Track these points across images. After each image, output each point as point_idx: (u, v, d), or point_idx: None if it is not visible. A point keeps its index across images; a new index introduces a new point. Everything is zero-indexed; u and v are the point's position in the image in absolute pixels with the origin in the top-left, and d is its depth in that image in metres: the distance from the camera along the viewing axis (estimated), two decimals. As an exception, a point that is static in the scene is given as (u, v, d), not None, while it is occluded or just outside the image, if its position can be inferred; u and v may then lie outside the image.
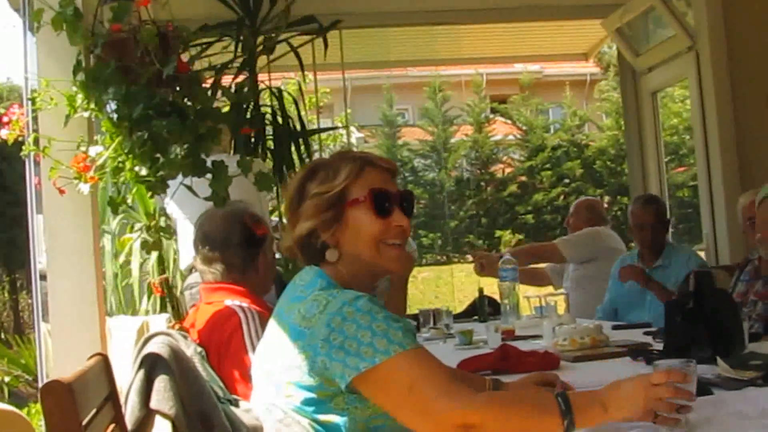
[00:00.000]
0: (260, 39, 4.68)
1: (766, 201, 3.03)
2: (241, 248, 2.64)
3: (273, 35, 4.63)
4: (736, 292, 3.31)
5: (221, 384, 2.30)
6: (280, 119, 4.68)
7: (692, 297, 2.39)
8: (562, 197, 16.85)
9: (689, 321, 2.34)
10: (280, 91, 4.80)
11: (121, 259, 4.09)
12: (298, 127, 4.76)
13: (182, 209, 3.72)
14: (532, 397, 1.67)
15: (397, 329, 1.60)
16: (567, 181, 17.22)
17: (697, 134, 5.15)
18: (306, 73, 5.00)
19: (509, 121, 18.43)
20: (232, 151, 4.19)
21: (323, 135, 13.47)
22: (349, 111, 9.96)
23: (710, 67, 4.88)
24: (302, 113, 4.89)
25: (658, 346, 2.60)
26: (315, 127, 5.91)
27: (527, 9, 5.95)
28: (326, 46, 4.93)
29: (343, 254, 1.76)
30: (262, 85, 4.76)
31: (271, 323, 1.76)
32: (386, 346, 1.57)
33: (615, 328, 3.34)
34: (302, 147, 4.73)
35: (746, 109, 4.79)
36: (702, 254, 5.25)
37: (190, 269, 3.49)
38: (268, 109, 4.72)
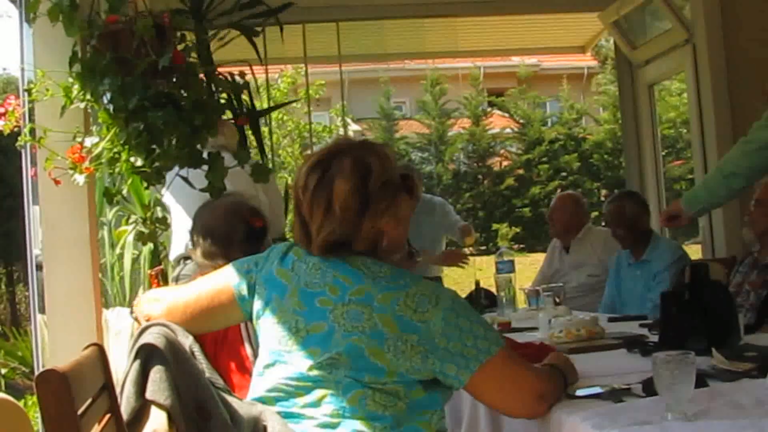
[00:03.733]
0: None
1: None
2: (243, 245, 2.63)
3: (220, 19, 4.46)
4: (733, 282, 3.31)
5: (219, 375, 2.30)
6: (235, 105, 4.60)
7: (688, 289, 2.39)
8: (559, 190, 16.85)
9: (685, 313, 2.34)
10: (233, 75, 4.73)
11: (117, 250, 4.08)
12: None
13: (177, 201, 3.70)
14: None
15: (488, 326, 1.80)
16: (564, 174, 17.23)
17: (693, 127, 5.15)
18: (300, 66, 4.90)
19: (506, 115, 18.42)
20: None
21: (319, 128, 13.46)
22: (345, 103, 9.89)
23: (707, 60, 4.88)
24: (253, 96, 4.76)
25: (654, 338, 2.60)
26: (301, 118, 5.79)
27: (524, 2, 5.96)
28: (281, 29, 4.70)
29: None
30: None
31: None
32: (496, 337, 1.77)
33: (611, 320, 3.34)
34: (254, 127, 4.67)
35: (743, 102, 4.78)
36: (698, 247, 5.26)
37: (179, 260, 3.48)
38: (225, 95, 4.64)
